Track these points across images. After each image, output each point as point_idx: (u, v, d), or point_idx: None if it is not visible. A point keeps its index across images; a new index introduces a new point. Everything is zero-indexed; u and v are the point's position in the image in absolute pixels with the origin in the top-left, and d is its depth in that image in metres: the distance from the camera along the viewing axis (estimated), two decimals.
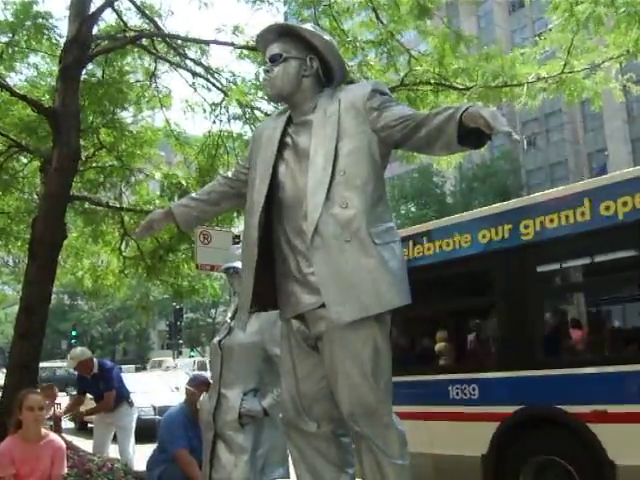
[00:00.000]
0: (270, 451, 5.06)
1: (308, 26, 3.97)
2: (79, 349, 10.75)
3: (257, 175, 3.83)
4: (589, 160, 53.44)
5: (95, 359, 10.23)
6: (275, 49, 3.86)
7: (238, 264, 5.20)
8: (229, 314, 5.40)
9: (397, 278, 3.50)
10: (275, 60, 3.84)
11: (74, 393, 23.44)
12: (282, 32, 3.91)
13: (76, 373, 10.57)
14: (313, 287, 3.52)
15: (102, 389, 9.97)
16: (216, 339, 5.32)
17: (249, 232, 3.77)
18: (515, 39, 57.65)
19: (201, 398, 5.44)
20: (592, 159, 52.98)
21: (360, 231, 3.47)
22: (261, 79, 3.97)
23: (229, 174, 4.28)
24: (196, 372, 17.88)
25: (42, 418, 6.23)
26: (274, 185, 3.74)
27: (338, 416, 3.64)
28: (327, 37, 3.96)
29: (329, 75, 3.94)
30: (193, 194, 4.40)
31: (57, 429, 9.09)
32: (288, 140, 3.82)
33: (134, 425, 10.44)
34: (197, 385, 7.32)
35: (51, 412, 9.45)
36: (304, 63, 3.85)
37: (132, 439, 10.26)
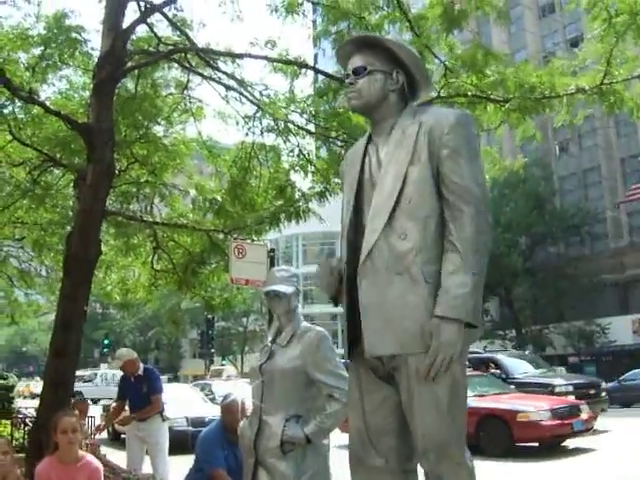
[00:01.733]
0: (313, 479, 4.95)
1: (393, 37, 3.84)
2: (125, 349, 10.83)
3: (345, 199, 3.76)
4: (622, 166, 52.92)
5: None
6: (358, 61, 3.70)
7: (278, 287, 5.11)
8: (270, 337, 5.30)
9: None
10: (359, 73, 3.68)
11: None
12: (364, 43, 3.76)
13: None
14: None
15: (147, 392, 9.93)
16: (257, 363, 5.22)
17: (341, 252, 3.75)
18: (546, 44, 57.38)
19: (241, 424, 5.34)
20: (625, 165, 52.47)
21: (413, 267, 3.37)
22: (343, 95, 3.82)
23: None
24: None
25: (76, 440, 6.19)
26: (359, 209, 3.65)
27: (406, 451, 3.54)
28: (413, 50, 3.81)
29: (413, 89, 3.78)
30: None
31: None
32: (368, 160, 3.71)
33: (167, 440, 10.38)
34: (229, 404, 7.28)
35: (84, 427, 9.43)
36: (390, 77, 3.69)
37: (166, 454, 10.19)
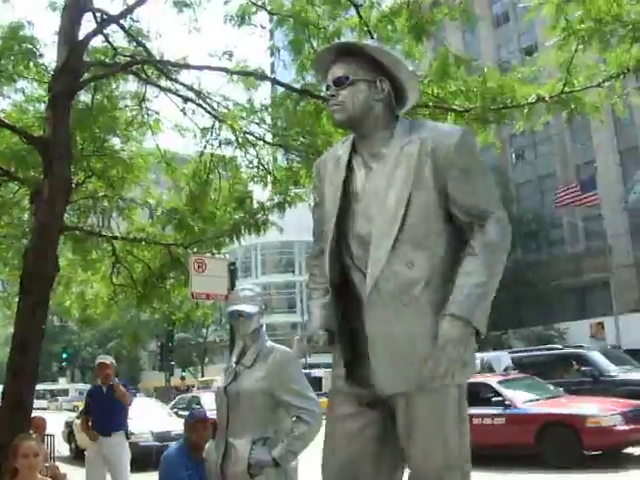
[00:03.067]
0: None
1: (374, 43, 3.62)
2: (105, 355, 10.64)
3: (326, 214, 3.54)
4: (577, 172, 53.48)
5: None
6: (339, 71, 3.46)
7: (242, 307, 5.00)
8: (234, 358, 5.18)
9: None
10: (341, 83, 3.44)
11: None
12: (344, 51, 3.51)
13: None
14: None
15: (120, 403, 9.73)
16: (221, 384, 5.10)
17: (326, 270, 3.52)
18: (501, 53, 57.95)
19: (207, 446, 5.22)
20: (580, 171, 53.05)
21: (422, 297, 3.23)
22: (329, 104, 3.46)
23: (315, 264, 3.81)
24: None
25: (37, 464, 5.99)
26: (343, 225, 3.46)
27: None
28: (397, 55, 3.59)
29: (399, 97, 3.56)
30: (315, 302, 3.76)
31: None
32: (356, 174, 3.49)
33: (129, 458, 10.18)
34: (193, 422, 7.13)
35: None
36: (374, 86, 3.45)
37: (128, 473, 9.99)
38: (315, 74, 3.78)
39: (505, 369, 22.37)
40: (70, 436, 21.69)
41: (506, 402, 14.81)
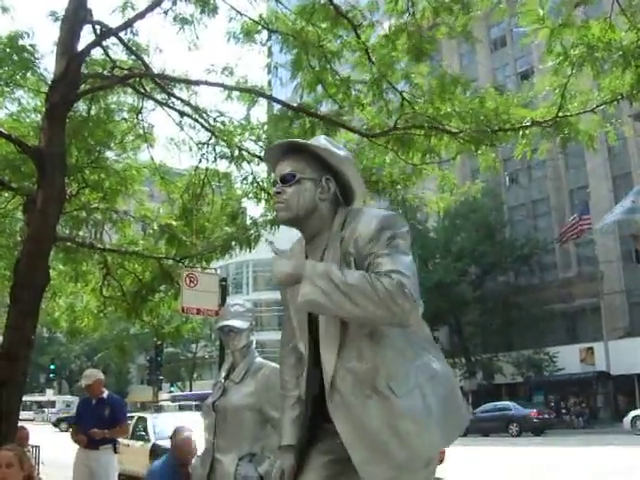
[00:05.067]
0: None
1: (323, 142, 3.49)
2: (94, 369, 10.65)
3: (295, 321, 3.51)
4: (571, 197, 53.76)
5: None
6: (287, 168, 3.42)
7: (232, 322, 5.00)
8: (223, 373, 5.18)
9: (430, 422, 3.19)
10: (287, 181, 3.40)
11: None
12: (293, 148, 3.47)
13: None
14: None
15: (110, 417, 9.70)
16: (209, 400, 5.09)
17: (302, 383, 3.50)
18: (497, 77, 58.25)
19: (193, 461, 5.21)
20: (574, 196, 53.30)
21: (379, 386, 3.18)
22: (271, 203, 3.41)
23: (288, 365, 3.73)
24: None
25: (10, 476, 5.90)
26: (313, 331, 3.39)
27: None
28: (345, 154, 3.53)
29: (346, 195, 3.53)
30: (287, 416, 3.64)
31: None
32: None
33: (117, 473, 10.13)
34: (180, 438, 7.13)
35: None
36: (319, 184, 3.42)
37: None
38: (268, 167, 3.70)
39: None
40: None
41: None
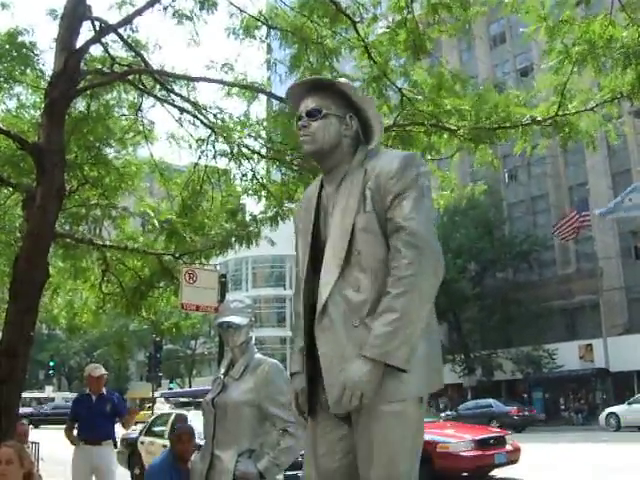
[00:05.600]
0: None
1: (346, 81, 3.70)
2: (97, 364, 10.64)
3: (300, 251, 3.65)
4: (570, 194, 53.74)
5: None
6: (313, 103, 3.56)
7: (232, 318, 5.00)
8: (222, 369, 5.18)
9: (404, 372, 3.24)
10: (313, 115, 3.54)
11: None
12: (317, 86, 3.62)
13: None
14: None
15: (112, 413, 9.78)
16: (209, 396, 5.09)
17: (297, 307, 3.61)
18: (497, 73, 58.22)
19: (192, 457, 5.21)
20: (573, 193, 53.29)
21: (367, 319, 3.26)
22: (300, 134, 3.47)
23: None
24: None
25: (9, 472, 5.89)
26: (315, 262, 3.50)
27: None
28: (368, 95, 3.75)
29: (366, 135, 3.65)
30: (298, 346, 3.68)
31: None
32: (323, 211, 3.58)
33: (116, 468, 10.14)
34: (179, 434, 7.14)
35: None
36: (343, 121, 3.56)
37: None
38: (288, 104, 3.81)
39: None
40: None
41: None
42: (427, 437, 14.18)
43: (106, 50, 11.36)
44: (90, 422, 9.71)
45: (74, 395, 13.23)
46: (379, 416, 3.26)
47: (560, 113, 9.78)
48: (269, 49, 12.96)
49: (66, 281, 14.99)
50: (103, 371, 10.01)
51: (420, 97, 10.38)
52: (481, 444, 15.20)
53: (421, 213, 3.32)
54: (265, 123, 12.35)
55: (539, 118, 9.93)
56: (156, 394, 65.54)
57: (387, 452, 3.26)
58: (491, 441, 15.63)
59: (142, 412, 57.34)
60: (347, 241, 3.33)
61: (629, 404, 35.63)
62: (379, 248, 3.33)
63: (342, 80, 3.71)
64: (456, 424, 18.94)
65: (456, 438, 15.31)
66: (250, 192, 12.51)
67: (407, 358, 3.19)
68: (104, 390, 9.92)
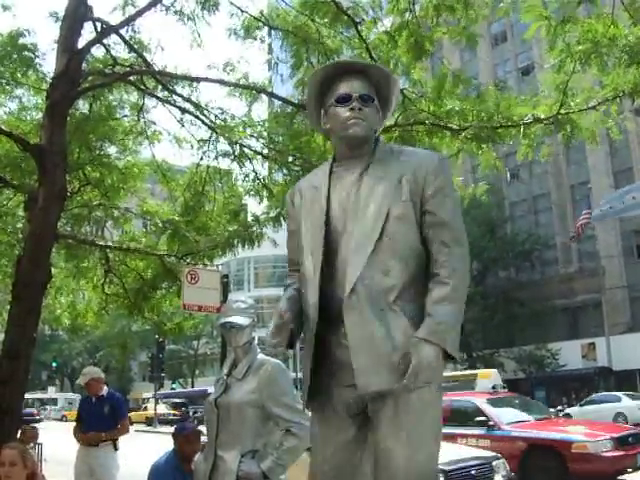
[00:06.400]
0: None
1: (382, 66, 3.80)
2: (93, 367, 10.59)
3: (304, 242, 3.60)
4: (572, 192, 53.72)
5: None
6: (364, 88, 3.53)
7: (234, 319, 4.99)
8: (225, 370, 5.17)
9: None
10: (366, 100, 3.52)
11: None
12: (353, 69, 3.61)
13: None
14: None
15: (110, 415, 9.64)
16: (212, 397, 5.09)
17: (308, 298, 3.53)
18: (498, 72, 58.18)
19: (196, 458, 5.21)
20: (575, 191, 53.27)
21: (395, 305, 3.32)
22: (347, 116, 3.42)
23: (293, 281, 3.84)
24: None
25: (13, 474, 5.91)
26: (329, 248, 3.49)
27: None
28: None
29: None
30: (285, 296, 3.77)
31: None
32: (336, 200, 3.54)
33: (118, 471, 10.11)
34: (187, 434, 7.11)
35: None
36: (378, 111, 3.61)
37: None
38: (310, 86, 3.74)
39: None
40: None
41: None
42: (557, 436, 13.39)
43: (108, 51, 11.38)
44: (90, 425, 9.73)
45: (77, 396, 13.09)
46: (416, 399, 3.29)
47: (562, 111, 9.77)
48: (270, 49, 12.98)
49: (69, 282, 15.01)
50: (88, 377, 9.85)
51: (422, 97, 10.39)
52: (621, 443, 13.29)
53: (459, 213, 3.52)
54: (267, 124, 12.35)
55: (541, 117, 9.93)
56: (147, 394, 65.69)
57: (419, 434, 3.30)
58: (629, 439, 13.72)
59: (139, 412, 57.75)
60: (380, 226, 3.34)
61: (581, 406, 35.46)
62: (412, 236, 3.40)
63: (395, 77, 3.74)
64: (581, 421, 17.58)
65: (593, 436, 13.38)
66: (252, 193, 12.51)
67: (457, 347, 3.32)
68: (104, 392, 9.89)
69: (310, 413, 3.72)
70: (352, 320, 3.32)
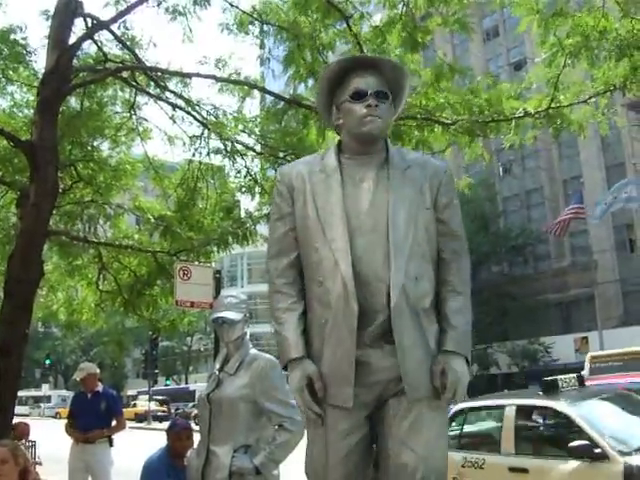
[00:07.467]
0: None
1: (397, 61, 3.78)
2: (89, 363, 10.59)
3: (312, 231, 3.42)
4: (564, 187, 53.77)
5: None
6: (380, 85, 3.45)
7: (226, 314, 4.99)
8: (217, 365, 5.17)
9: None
10: (383, 97, 3.43)
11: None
12: (366, 65, 3.53)
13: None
14: (388, 353, 3.33)
15: (106, 411, 9.69)
16: (204, 392, 5.09)
17: (330, 288, 3.35)
18: (490, 67, 58.18)
19: (188, 453, 5.21)
20: (567, 186, 53.31)
21: (428, 309, 3.41)
22: (363, 113, 3.30)
23: (286, 281, 3.56)
24: None
25: (4, 472, 5.88)
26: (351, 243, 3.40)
27: None
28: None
29: None
30: (292, 328, 3.51)
31: None
32: (353, 190, 3.42)
33: (112, 467, 10.10)
34: (178, 431, 7.11)
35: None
36: (392, 108, 3.54)
37: None
38: (322, 81, 3.62)
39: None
40: None
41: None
42: None
43: (99, 47, 11.36)
44: (84, 420, 9.70)
45: (70, 393, 13.11)
46: (437, 405, 3.38)
47: (553, 105, 9.79)
48: (262, 45, 12.97)
49: (64, 278, 14.98)
50: (86, 372, 9.88)
51: (413, 91, 10.38)
52: None
53: (462, 223, 3.64)
54: (259, 120, 12.34)
55: (532, 111, 9.95)
56: (131, 392, 65.58)
57: (436, 432, 3.38)
58: None
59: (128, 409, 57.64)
60: (412, 233, 3.35)
61: None
62: (433, 244, 3.47)
63: (407, 72, 3.75)
64: None
65: None
66: (244, 189, 12.50)
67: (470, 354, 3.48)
68: (99, 388, 9.88)
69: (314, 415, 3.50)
70: (400, 325, 3.28)
